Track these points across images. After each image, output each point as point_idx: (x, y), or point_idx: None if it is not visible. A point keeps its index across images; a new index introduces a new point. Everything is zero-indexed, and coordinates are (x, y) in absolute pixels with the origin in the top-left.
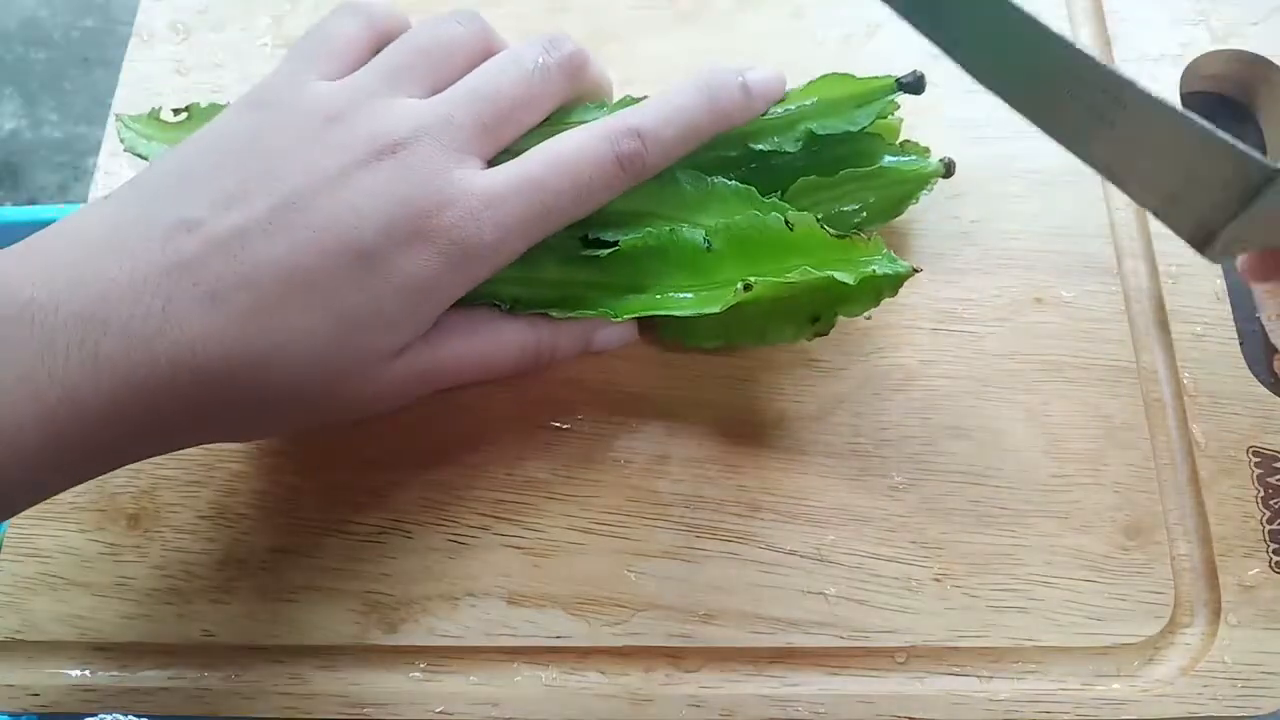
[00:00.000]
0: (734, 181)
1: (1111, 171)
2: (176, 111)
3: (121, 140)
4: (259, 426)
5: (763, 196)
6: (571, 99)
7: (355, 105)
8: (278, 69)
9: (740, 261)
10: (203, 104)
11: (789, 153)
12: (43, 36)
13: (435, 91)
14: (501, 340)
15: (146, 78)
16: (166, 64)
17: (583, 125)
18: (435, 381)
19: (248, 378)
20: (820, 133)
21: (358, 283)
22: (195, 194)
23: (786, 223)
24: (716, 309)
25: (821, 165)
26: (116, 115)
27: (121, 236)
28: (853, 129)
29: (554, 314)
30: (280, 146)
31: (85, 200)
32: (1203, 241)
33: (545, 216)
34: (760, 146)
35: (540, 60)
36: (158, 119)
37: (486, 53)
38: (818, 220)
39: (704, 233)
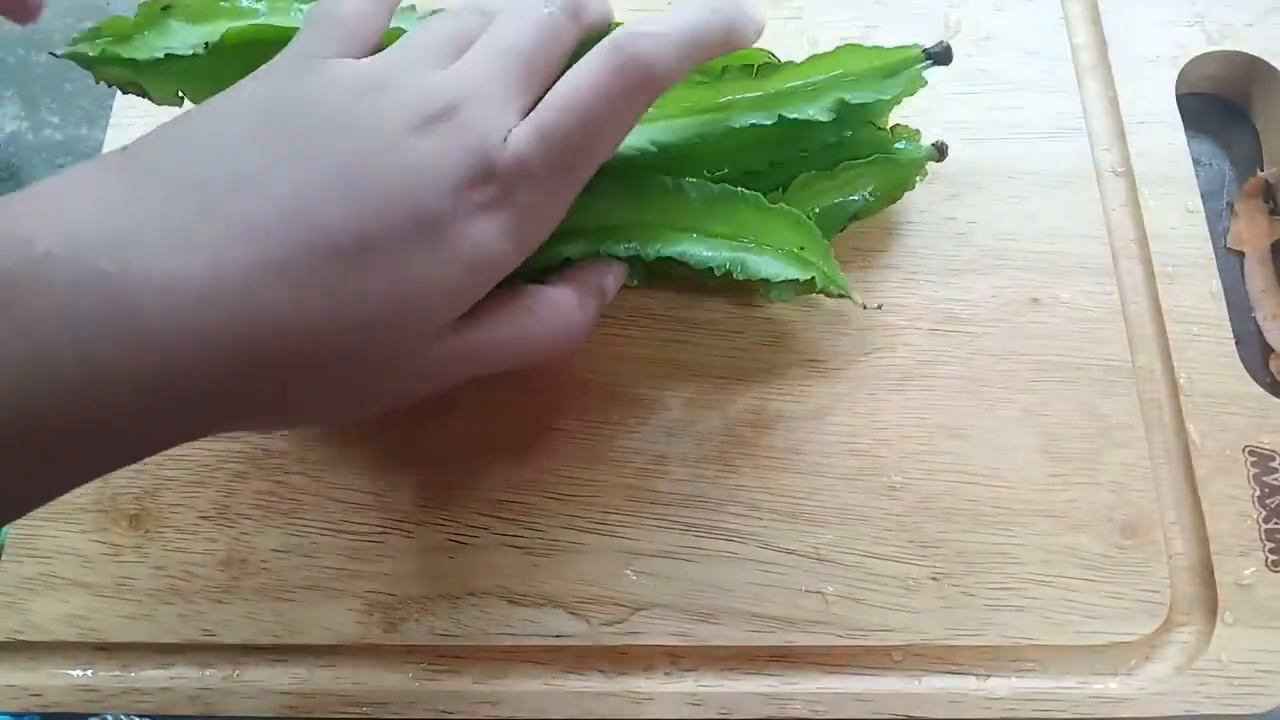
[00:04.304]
0: (739, 189)
1: None
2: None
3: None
4: (306, 407)
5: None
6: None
7: (392, 76)
8: (289, 47)
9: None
10: None
11: (821, 122)
12: (44, 39)
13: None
14: (554, 308)
15: None
16: None
17: (584, 58)
18: (485, 359)
19: (302, 347)
20: (853, 102)
21: (419, 249)
22: (235, 150)
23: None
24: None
25: (816, 161)
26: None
27: (152, 185)
28: (885, 98)
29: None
30: (323, 113)
31: None
32: None
33: (589, 158)
34: (794, 115)
35: (546, 10)
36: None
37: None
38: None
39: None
